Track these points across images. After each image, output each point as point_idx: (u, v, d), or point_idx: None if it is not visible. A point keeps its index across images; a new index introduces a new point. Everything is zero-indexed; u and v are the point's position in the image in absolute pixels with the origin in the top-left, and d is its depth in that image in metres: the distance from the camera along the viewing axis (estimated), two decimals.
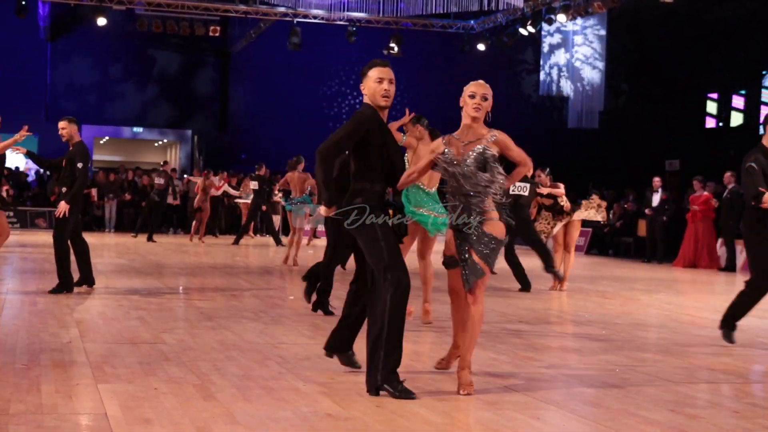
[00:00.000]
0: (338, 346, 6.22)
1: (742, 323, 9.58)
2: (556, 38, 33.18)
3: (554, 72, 32.52)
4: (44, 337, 7.26)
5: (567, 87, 32.07)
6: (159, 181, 23.79)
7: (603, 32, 31.32)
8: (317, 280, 9.27)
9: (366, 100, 5.94)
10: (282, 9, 28.03)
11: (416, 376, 6.06)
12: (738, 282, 16.25)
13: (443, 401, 5.42)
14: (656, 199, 19.91)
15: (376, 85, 5.80)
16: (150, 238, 22.12)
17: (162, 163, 24.72)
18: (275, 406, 5.17)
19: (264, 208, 22.77)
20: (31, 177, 29.71)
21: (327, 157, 5.77)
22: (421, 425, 4.86)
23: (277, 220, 24.01)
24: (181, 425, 4.68)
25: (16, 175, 28.46)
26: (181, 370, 6.06)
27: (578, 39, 32.34)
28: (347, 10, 28.15)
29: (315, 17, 28.16)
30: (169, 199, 25.77)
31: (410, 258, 12.15)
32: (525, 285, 12.48)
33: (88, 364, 6.17)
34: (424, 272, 9.08)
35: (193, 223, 23.40)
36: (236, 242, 22.06)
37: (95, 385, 5.55)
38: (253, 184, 21.90)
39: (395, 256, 5.67)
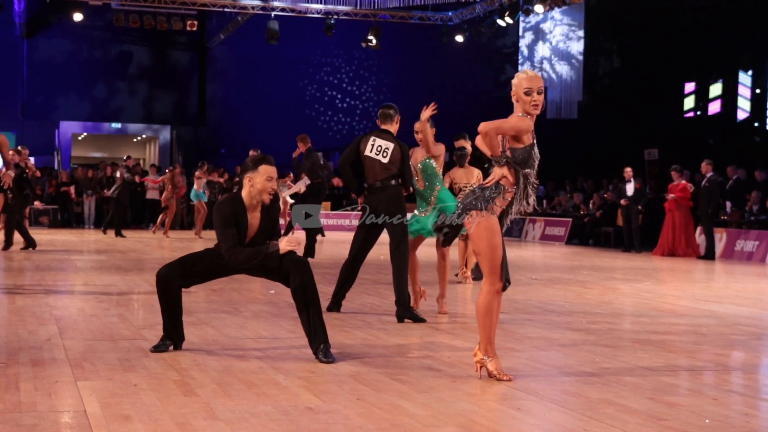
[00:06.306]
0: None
1: (722, 311, 9.66)
2: (528, 38, 33.24)
3: (546, 65, 32.56)
4: (23, 334, 7.22)
5: (564, 70, 32.12)
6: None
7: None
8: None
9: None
10: (259, 2, 27.94)
11: (399, 370, 6.07)
12: (717, 270, 16.36)
13: (424, 393, 5.43)
14: (630, 188, 19.99)
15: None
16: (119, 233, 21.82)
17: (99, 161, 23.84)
18: (255, 400, 5.16)
19: None
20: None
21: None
22: (402, 417, 4.86)
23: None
24: (161, 421, 4.67)
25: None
26: (160, 366, 6.05)
27: (548, 25, 32.39)
28: (325, 3, 28.11)
29: (293, 10, 28.09)
30: (153, 194, 25.64)
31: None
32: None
33: (67, 362, 6.14)
34: (440, 264, 8.84)
35: (160, 216, 23.21)
36: None
37: (74, 382, 5.53)
38: None
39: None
